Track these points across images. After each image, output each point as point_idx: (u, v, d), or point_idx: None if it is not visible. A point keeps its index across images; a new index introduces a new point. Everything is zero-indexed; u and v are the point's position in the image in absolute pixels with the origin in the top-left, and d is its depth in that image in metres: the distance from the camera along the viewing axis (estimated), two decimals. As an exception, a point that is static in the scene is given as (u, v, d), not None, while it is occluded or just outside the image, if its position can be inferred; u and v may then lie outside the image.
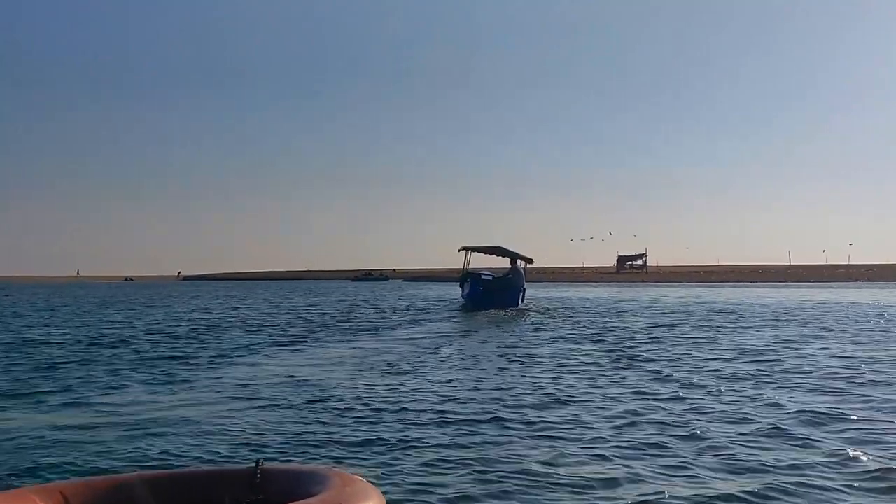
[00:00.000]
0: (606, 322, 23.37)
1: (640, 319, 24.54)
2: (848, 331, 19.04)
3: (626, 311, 29.22)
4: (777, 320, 23.41)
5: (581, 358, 13.57)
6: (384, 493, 3.08)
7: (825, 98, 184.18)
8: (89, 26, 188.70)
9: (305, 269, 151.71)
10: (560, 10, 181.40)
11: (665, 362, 12.74)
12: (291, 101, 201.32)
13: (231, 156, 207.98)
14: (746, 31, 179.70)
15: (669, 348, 15.04)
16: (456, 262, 36.81)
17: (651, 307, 32.51)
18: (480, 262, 35.23)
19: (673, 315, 26.59)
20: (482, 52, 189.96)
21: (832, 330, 19.38)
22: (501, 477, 5.80)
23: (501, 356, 13.97)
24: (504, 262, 34.22)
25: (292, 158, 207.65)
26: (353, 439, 7.09)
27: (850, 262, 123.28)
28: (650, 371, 11.68)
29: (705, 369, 11.89)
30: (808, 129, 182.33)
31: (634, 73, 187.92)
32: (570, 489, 5.55)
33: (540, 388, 10.07)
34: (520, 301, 31.55)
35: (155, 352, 15.15)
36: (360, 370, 12.18)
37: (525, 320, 24.79)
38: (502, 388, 10.08)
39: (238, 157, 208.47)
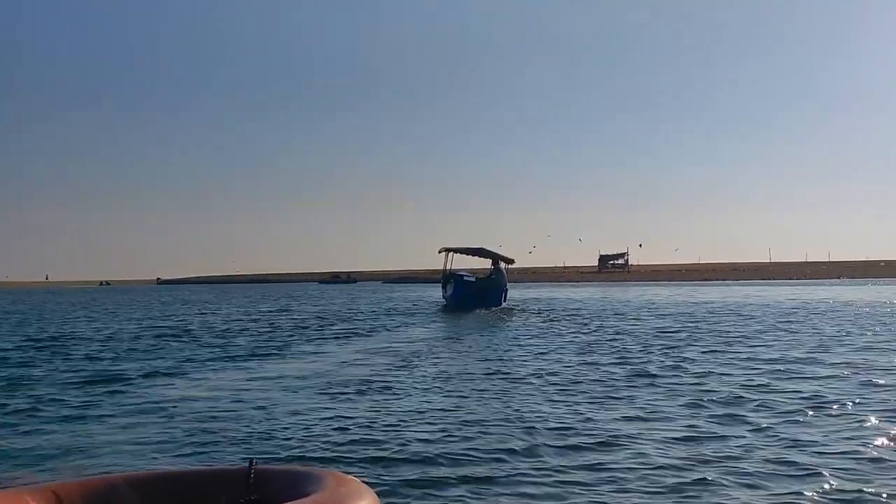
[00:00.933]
0: (605, 325, 21.35)
1: (642, 322, 22.54)
2: (883, 334, 17.13)
3: (622, 313, 27.21)
4: (793, 322, 21.56)
5: (593, 372, 11.49)
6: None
7: (817, 100, 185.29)
8: (74, 29, 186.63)
9: (274, 273, 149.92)
10: (560, 11, 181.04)
11: (701, 377, 10.67)
12: (274, 107, 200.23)
13: (215, 160, 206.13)
14: (742, 33, 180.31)
15: (697, 360, 12.88)
16: (432, 263, 35.64)
17: (647, 308, 30.57)
18: (458, 263, 35.07)
19: (675, 317, 24.58)
20: (481, 53, 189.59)
21: (868, 334, 17.38)
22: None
23: (493, 373, 11.81)
24: (482, 263, 34.05)
25: (273, 162, 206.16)
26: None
27: (831, 260, 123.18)
28: (691, 390, 9.54)
29: (741, 384, 9.88)
30: (791, 132, 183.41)
31: (629, 73, 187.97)
32: None
33: (549, 416, 8.00)
34: (503, 301, 31.54)
35: (85, 369, 12.91)
36: (325, 392, 9.97)
37: (515, 324, 22.73)
38: (503, 417, 7.98)
39: (221, 161, 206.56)
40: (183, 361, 13.89)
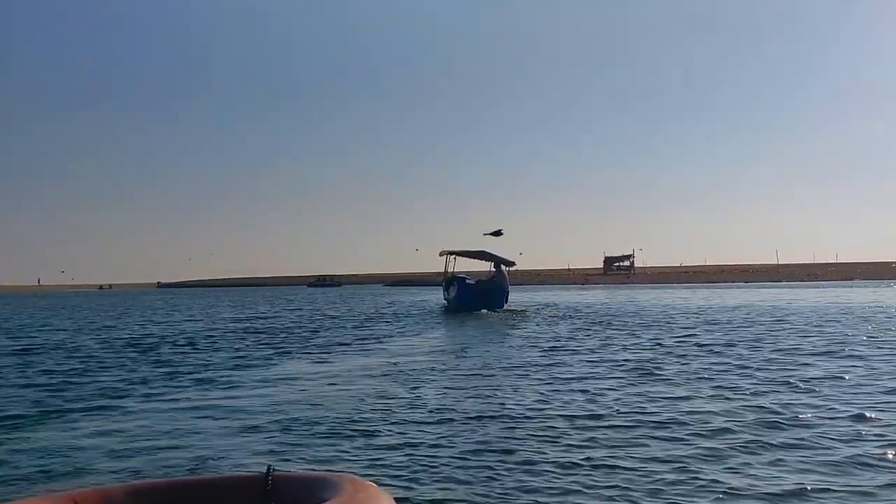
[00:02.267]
0: (646, 335, 17.83)
1: (692, 330, 18.97)
2: None
3: (655, 320, 23.71)
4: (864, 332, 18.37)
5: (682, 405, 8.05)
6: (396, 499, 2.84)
7: (821, 100, 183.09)
8: (71, 29, 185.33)
9: (270, 276, 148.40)
10: (561, 11, 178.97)
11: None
12: (268, 109, 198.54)
13: (215, 162, 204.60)
14: (745, 32, 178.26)
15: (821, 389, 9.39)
16: (428, 266, 34.41)
17: (682, 313, 27.22)
18: (457, 265, 34.70)
19: (726, 324, 21.09)
20: (480, 52, 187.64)
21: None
22: None
23: (529, 413, 8.43)
24: (481, 266, 33.92)
25: (273, 165, 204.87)
26: None
27: (839, 261, 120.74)
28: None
29: None
30: (795, 132, 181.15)
31: (631, 73, 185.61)
32: None
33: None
34: (505, 303, 31.56)
35: None
36: (283, 439, 6.76)
37: (532, 333, 19.43)
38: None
39: (220, 163, 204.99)
40: (126, 383, 10.97)
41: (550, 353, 14.39)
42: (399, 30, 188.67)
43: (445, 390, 9.86)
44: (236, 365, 13.35)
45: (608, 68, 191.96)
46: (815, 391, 9.04)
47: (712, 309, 29.55)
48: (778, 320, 22.08)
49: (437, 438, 6.94)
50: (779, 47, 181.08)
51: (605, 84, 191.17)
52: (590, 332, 19.25)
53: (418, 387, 10.18)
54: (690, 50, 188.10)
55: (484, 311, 29.48)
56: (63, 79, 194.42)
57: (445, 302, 33.65)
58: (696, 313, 26.82)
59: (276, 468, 3.03)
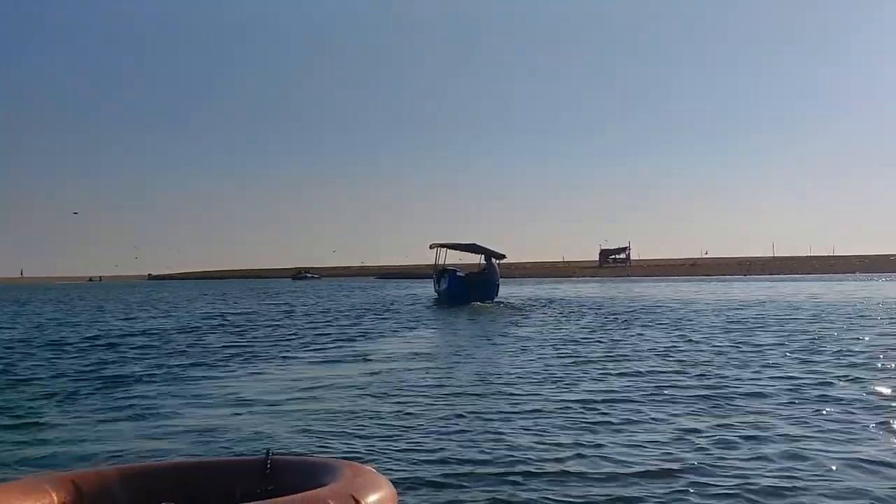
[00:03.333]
0: (681, 338, 15.42)
1: (745, 334, 16.39)
2: None
3: (682, 318, 21.15)
4: None
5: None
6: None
7: (820, 96, 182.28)
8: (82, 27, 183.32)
9: (257, 268, 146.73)
10: (562, 10, 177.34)
11: None
12: (258, 96, 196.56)
13: (208, 159, 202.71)
14: (745, 31, 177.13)
15: None
16: (420, 259, 33.86)
17: (704, 310, 24.88)
18: (447, 258, 35.25)
19: (769, 326, 18.67)
20: (479, 50, 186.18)
21: None
22: None
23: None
24: (470, 259, 34.14)
25: (264, 160, 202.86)
26: None
27: (835, 254, 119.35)
28: None
29: None
30: (793, 127, 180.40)
31: (632, 71, 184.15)
32: None
33: None
34: (495, 295, 31.50)
35: None
36: None
37: (533, 331, 17.04)
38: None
39: (214, 158, 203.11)
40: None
41: (570, 360, 11.89)
42: (397, 26, 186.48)
43: (438, 417, 7.49)
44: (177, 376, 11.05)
45: (607, 64, 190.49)
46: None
47: (734, 305, 27.32)
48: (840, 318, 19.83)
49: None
50: (778, 45, 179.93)
51: (602, 80, 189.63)
52: (609, 334, 16.39)
53: (405, 407, 7.94)
54: (687, 47, 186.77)
55: (475, 303, 29.00)
56: (56, 76, 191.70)
57: (436, 294, 33.54)
58: (715, 309, 24.55)
59: (276, 452, 2.97)
